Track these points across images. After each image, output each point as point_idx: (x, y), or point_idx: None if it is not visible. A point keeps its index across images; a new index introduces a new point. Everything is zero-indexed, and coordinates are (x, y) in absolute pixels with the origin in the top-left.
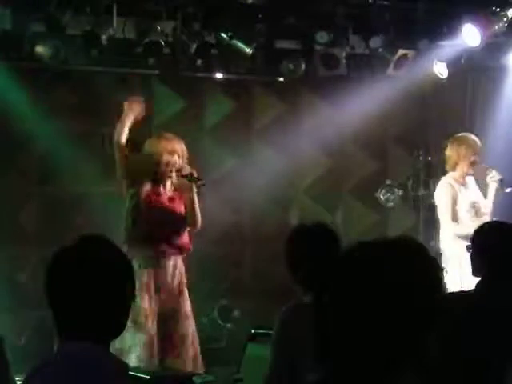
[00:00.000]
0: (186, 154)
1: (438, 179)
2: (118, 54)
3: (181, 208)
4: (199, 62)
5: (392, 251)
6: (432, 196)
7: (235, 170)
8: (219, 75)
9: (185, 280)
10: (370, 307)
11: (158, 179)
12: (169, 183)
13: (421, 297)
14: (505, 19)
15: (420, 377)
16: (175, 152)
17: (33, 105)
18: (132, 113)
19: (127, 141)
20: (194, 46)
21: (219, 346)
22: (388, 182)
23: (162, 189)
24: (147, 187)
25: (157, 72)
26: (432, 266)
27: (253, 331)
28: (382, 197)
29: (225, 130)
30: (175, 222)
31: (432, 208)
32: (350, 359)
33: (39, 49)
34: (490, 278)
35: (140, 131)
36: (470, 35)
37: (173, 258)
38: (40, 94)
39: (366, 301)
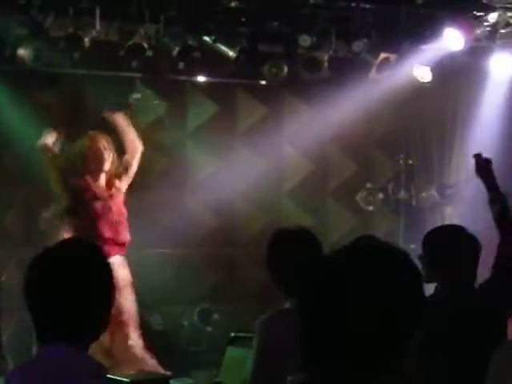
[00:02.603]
0: (111, 147)
1: (419, 182)
2: (101, 57)
3: (117, 202)
4: (182, 65)
5: (374, 257)
6: (412, 199)
7: (217, 173)
8: (202, 78)
9: (127, 276)
10: (351, 313)
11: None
12: (102, 178)
13: (402, 303)
14: (486, 23)
15: (400, 382)
16: (100, 145)
17: (15, 107)
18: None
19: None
20: (177, 49)
21: (199, 349)
22: (369, 185)
23: (94, 183)
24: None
25: (139, 75)
26: (414, 275)
27: (233, 334)
28: (362, 200)
29: (207, 133)
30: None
31: (412, 211)
32: (330, 363)
33: (22, 51)
34: (448, 280)
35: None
36: (452, 39)
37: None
38: (22, 97)
39: (347, 306)
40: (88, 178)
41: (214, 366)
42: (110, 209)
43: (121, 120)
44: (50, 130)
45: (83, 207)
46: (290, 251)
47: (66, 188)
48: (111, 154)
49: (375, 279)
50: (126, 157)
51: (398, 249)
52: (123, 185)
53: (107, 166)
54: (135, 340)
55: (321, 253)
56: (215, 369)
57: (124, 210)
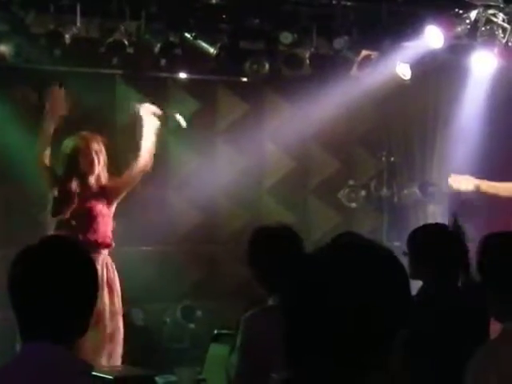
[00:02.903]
0: (103, 149)
1: (401, 180)
2: (82, 54)
3: (98, 205)
4: (163, 61)
5: (357, 255)
6: (395, 197)
7: (199, 170)
8: (183, 75)
9: (114, 276)
10: (334, 311)
11: (80, 175)
12: (92, 180)
13: (386, 301)
14: (467, 21)
15: (384, 379)
16: (91, 148)
17: None
18: (52, 119)
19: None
20: (158, 46)
21: (182, 346)
22: (351, 182)
23: (82, 186)
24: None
25: (120, 72)
26: (398, 272)
27: (216, 332)
28: (345, 197)
29: (188, 130)
30: (90, 220)
31: (395, 209)
32: (313, 361)
33: (2, 48)
34: (433, 279)
35: (102, 130)
36: (433, 37)
37: (99, 251)
38: (2, 94)
39: (329, 304)
40: (75, 180)
41: (197, 362)
42: (91, 211)
43: (151, 123)
44: (44, 142)
45: (68, 209)
46: (271, 249)
47: (54, 188)
48: (102, 158)
49: (358, 277)
50: (129, 173)
51: (381, 246)
52: (113, 204)
53: (96, 169)
54: None
55: (302, 250)
56: (198, 366)
57: (106, 213)
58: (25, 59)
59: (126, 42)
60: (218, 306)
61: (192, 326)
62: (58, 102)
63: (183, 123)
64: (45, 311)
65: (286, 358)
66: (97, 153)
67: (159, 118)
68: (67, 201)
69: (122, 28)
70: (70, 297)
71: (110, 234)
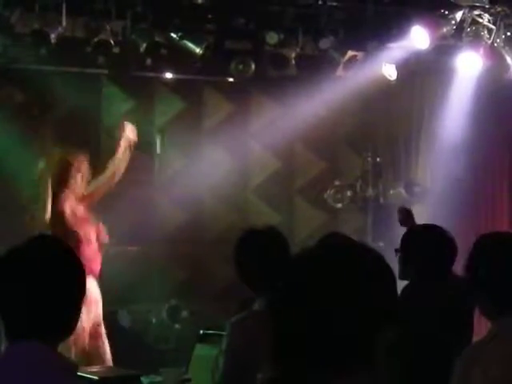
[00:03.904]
0: (86, 169)
1: (386, 180)
2: (67, 53)
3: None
4: (149, 61)
5: (345, 256)
6: (380, 197)
7: (185, 170)
8: (169, 75)
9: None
10: (322, 311)
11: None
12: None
13: (374, 301)
14: (453, 22)
15: (369, 380)
16: (79, 170)
17: None
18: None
19: None
20: (144, 46)
21: (168, 347)
22: (337, 182)
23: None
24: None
25: (106, 71)
26: (385, 272)
27: (201, 332)
28: (330, 197)
29: (174, 130)
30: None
31: (380, 209)
32: (300, 359)
33: None
34: (417, 279)
35: (88, 130)
36: (418, 37)
37: None
38: None
39: (317, 304)
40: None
41: (183, 363)
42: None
43: (128, 140)
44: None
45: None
46: (257, 252)
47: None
48: (83, 176)
49: (343, 278)
50: (101, 179)
51: (367, 247)
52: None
53: (77, 189)
54: None
55: (288, 252)
56: (184, 366)
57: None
58: (10, 59)
59: (112, 42)
60: (203, 306)
61: (178, 326)
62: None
63: None
64: (30, 311)
65: (273, 358)
66: (83, 174)
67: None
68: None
69: (108, 28)
70: (55, 297)
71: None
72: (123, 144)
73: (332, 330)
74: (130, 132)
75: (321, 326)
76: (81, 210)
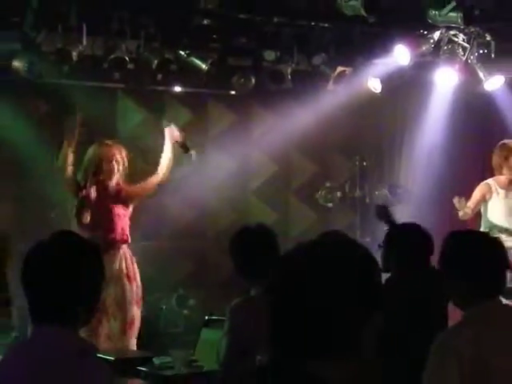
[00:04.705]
0: (124, 158)
1: (372, 182)
2: (87, 69)
3: (115, 207)
4: (160, 76)
5: (339, 250)
6: (366, 197)
7: (192, 173)
8: (178, 88)
9: (133, 267)
10: (310, 301)
11: (100, 181)
12: (112, 182)
13: (358, 291)
14: (431, 41)
15: (354, 366)
16: (113, 157)
17: (11, 114)
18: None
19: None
20: (155, 62)
21: (177, 331)
22: (328, 184)
23: (101, 191)
24: (90, 189)
25: (122, 86)
26: (374, 267)
27: (207, 318)
28: (322, 198)
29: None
30: (108, 220)
31: (367, 208)
32: (291, 344)
33: (16, 63)
34: (397, 271)
35: (104, 138)
36: (400, 54)
37: (118, 246)
38: (17, 105)
39: (307, 296)
40: (96, 186)
41: (190, 345)
42: (108, 213)
43: (171, 142)
44: (66, 149)
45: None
46: (248, 247)
47: (76, 193)
48: (121, 167)
49: (335, 273)
50: (144, 185)
51: (357, 243)
52: (129, 207)
53: (114, 177)
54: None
55: (275, 247)
56: (191, 348)
57: (122, 214)
58: (36, 74)
59: (127, 59)
60: (208, 295)
61: (186, 312)
62: (79, 127)
63: (193, 158)
64: (53, 298)
65: (270, 342)
66: (117, 161)
67: (178, 143)
68: (87, 207)
69: (124, 46)
70: (76, 285)
71: (127, 231)
72: (168, 144)
73: (330, 319)
74: (172, 132)
75: (316, 315)
76: (110, 200)
